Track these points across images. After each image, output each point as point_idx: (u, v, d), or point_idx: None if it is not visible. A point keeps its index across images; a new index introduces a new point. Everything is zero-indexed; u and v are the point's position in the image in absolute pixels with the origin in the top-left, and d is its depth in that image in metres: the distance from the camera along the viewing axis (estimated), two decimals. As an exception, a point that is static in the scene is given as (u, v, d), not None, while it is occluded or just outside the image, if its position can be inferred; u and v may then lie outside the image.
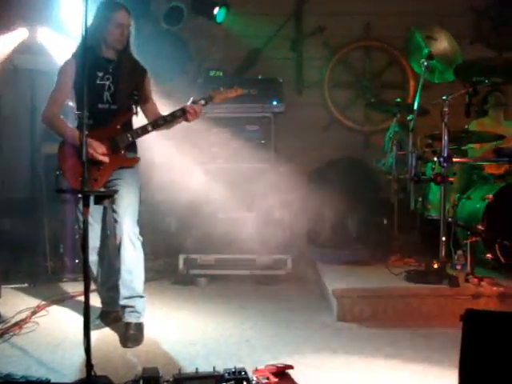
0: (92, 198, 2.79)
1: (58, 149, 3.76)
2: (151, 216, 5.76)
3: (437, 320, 4.16)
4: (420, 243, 5.15)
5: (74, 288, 5.00)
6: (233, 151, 5.71)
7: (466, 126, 5.26)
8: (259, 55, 6.67)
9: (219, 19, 6.19)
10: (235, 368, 2.82)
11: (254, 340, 3.77)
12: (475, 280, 4.32)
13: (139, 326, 3.79)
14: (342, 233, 5.82)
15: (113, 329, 3.97)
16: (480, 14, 6.69)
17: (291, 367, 2.93)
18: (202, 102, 3.85)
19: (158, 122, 3.77)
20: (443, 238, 4.41)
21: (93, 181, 3.55)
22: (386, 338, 3.83)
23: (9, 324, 3.97)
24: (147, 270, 4.05)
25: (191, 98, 3.88)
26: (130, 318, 3.78)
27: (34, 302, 4.57)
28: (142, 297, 3.85)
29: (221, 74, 5.99)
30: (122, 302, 3.81)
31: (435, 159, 4.66)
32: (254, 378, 2.80)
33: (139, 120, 3.92)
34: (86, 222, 2.77)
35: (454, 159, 4.61)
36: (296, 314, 4.41)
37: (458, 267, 4.73)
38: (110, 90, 3.76)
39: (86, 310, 2.70)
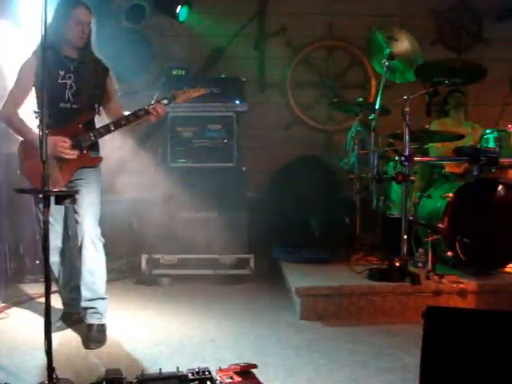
0: (53, 199, 2.75)
1: (18, 148, 3.69)
2: (113, 215, 5.69)
3: (399, 317, 4.22)
4: (382, 242, 5.20)
5: (35, 289, 4.92)
6: (195, 150, 5.69)
7: (427, 126, 5.33)
8: (222, 54, 6.65)
9: (181, 18, 6.14)
10: (199, 368, 2.81)
11: (217, 340, 3.76)
12: (436, 277, 4.39)
13: (101, 328, 3.75)
14: (304, 232, 5.84)
15: (75, 330, 3.92)
16: (440, 17, 6.79)
17: (255, 366, 2.93)
18: (165, 101, 3.82)
19: (121, 122, 3.73)
20: (405, 237, 4.46)
21: (54, 180, 3.49)
22: (350, 335, 3.86)
23: (-33, 327, 3.90)
24: (109, 269, 4.02)
25: (155, 97, 3.86)
26: (92, 319, 3.74)
27: (-7, 304, 4.49)
28: (103, 298, 3.81)
29: (183, 72, 5.96)
30: (84, 304, 3.77)
31: (396, 158, 4.71)
32: (218, 378, 2.79)
33: (102, 119, 3.88)
34: (46, 223, 2.73)
35: (415, 158, 4.67)
36: (260, 314, 4.41)
37: (420, 265, 4.79)
38: (71, 88, 3.71)
39: (47, 312, 2.66)
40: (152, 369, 3.01)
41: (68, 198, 2.90)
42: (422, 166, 5.33)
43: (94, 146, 3.82)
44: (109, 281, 3.94)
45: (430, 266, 4.52)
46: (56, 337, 3.49)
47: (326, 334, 3.92)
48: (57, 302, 3.93)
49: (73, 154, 3.60)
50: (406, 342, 3.64)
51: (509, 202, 4.66)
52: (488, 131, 5.10)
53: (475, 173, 4.82)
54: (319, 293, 4.30)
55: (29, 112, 3.59)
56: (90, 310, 3.75)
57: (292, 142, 6.67)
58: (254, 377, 2.85)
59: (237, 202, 5.59)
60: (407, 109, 4.47)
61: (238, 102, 5.77)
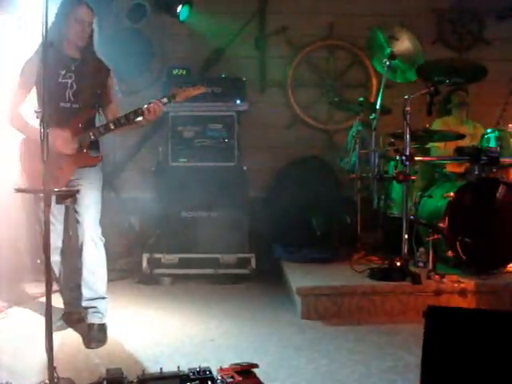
0: (54, 198, 2.75)
1: (18, 147, 3.69)
2: (115, 215, 5.70)
3: (400, 316, 4.22)
4: (383, 241, 5.20)
5: (36, 289, 4.91)
6: (196, 150, 5.70)
7: (427, 125, 5.33)
8: (223, 54, 6.64)
9: (182, 17, 6.15)
10: (200, 367, 2.81)
11: (218, 339, 3.76)
12: (437, 277, 4.39)
13: (102, 327, 3.75)
14: (305, 231, 5.84)
15: (75, 330, 3.92)
16: (441, 16, 6.79)
17: (256, 366, 2.93)
18: (165, 100, 3.81)
19: (121, 121, 3.71)
20: (406, 236, 4.46)
21: (54, 180, 3.50)
22: (350, 335, 3.86)
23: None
24: (110, 269, 4.02)
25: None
26: (93, 318, 3.75)
27: (-7, 303, 4.49)
28: (104, 298, 3.81)
29: (184, 72, 5.96)
30: (85, 304, 3.77)
31: (397, 158, 4.71)
32: (219, 377, 2.79)
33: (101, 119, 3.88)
34: (47, 222, 2.73)
35: (416, 158, 4.67)
36: (261, 313, 4.42)
37: (420, 264, 4.79)
38: (72, 88, 3.70)
39: (48, 311, 2.66)
40: (153, 368, 3.02)
41: (69, 197, 2.90)
42: (422, 165, 5.33)
43: (94, 145, 3.81)
44: (110, 280, 3.94)
45: (430, 265, 4.52)
46: (57, 336, 3.48)
47: (327, 333, 3.92)
48: (57, 301, 3.93)
49: (72, 149, 3.60)
50: (407, 341, 3.64)
51: (510, 201, 4.65)
52: (489, 131, 5.10)
53: (476, 172, 4.82)
54: (320, 292, 4.30)
55: (29, 111, 3.62)
56: (90, 310, 3.76)
57: (293, 142, 6.66)
58: (254, 376, 2.85)
59: (238, 201, 5.59)
60: (408, 108, 4.47)
61: (238, 101, 5.78)
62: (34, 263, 5.50)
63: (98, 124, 3.83)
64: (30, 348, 3.50)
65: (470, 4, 6.77)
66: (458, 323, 2.32)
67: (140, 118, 3.75)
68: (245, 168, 5.73)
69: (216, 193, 5.51)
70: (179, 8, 6.06)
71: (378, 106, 5.19)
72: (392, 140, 5.26)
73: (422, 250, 4.84)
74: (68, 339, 3.75)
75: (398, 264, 4.50)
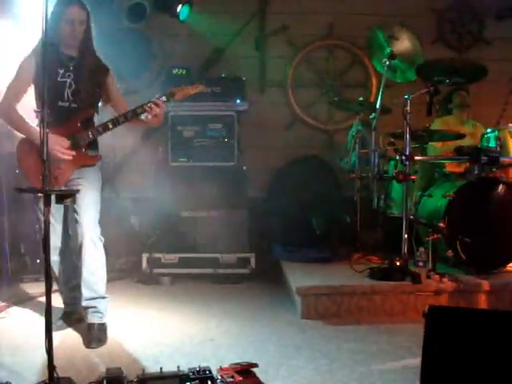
0: (53, 198, 2.75)
1: (16, 146, 3.68)
2: (114, 214, 5.70)
3: (400, 316, 4.22)
4: (383, 241, 5.20)
5: (35, 289, 4.91)
6: (196, 149, 5.70)
7: (427, 125, 5.33)
8: (223, 54, 6.64)
9: (182, 17, 6.15)
10: (200, 367, 2.81)
11: (218, 339, 3.76)
12: (437, 277, 4.38)
13: (102, 327, 3.75)
14: (305, 231, 5.84)
15: (75, 330, 3.92)
16: (441, 16, 6.79)
17: (256, 365, 2.93)
18: (163, 98, 3.80)
19: (119, 120, 3.71)
20: (405, 236, 4.47)
21: (53, 179, 3.50)
22: (350, 334, 3.86)
23: (-32, 326, 3.90)
24: (110, 269, 4.02)
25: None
26: (92, 318, 3.74)
27: (-7, 303, 4.49)
28: (104, 297, 3.81)
29: (184, 72, 5.96)
30: (84, 303, 3.77)
31: (397, 157, 4.71)
32: (219, 377, 2.79)
33: (101, 118, 3.87)
34: (47, 222, 2.72)
35: (416, 157, 4.67)
36: (260, 313, 4.41)
37: (420, 264, 4.79)
38: (70, 87, 3.70)
39: (48, 311, 2.66)
40: (153, 368, 3.01)
41: (68, 197, 2.89)
42: (422, 165, 5.33)
43: (93, 145, 3.80)
44: (109, 280, 3.94)
45: (430, 265, 4.51)
46: (57, 336, 3.48)
47: (327, 333, 3.92)
48: (57, 301, 3.92)
49: (69, 155, 3.59)
50: (407, 341, 3.64)
51: (509, 201, 4.65)
52: (489, 130, 5.10)
53: (476, 172, 4.82)
54: (320, 292, 4.30)
55: (28, 110, 3.61)
56: (90, 310, 3.75)
57: (293, 142, 6.67)
58: (254, 376, 2.86)
59: (237, 201, 5.60)
60: (408, 108, 4.47)
61: (238, 101, 5.79)
62: (34, 263, 5.52)
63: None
64: (30, 348, 3.50)
65: (469, 4, 6.78)
66: (457, 323, 2.32)
67: (143, 117, 3.75)
68: (245, 168, 5.74)
69: (216, 192, 5.51)
70: (179, 8, 6.06)
71: (377, 106, 5.19)
72: (392, 140, 5.26)
73: (421, 249, 4.85)
74: (68, 339, 3.75)
75: (398, 264, 4.50)
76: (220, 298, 4.88)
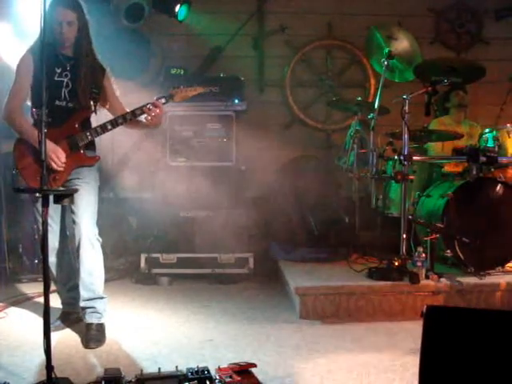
0: (51, 198, 2.74)
1: (13, 147, 3.67)
2: (113, 215, 5.70)
3: (398, 316, 4.23)
4: (381, 241, 5.20)
5: (34, 289, 4.91)
6: (195, 149, 5.70)
7: (425, 125, 5.33)
8: (221, 53, 6.65)
9: (181, 17, 6.14)
10: (198, 367, 2.81)
11: (216, 339, 3.76)
12: (435, 276, 4.38)
13: (100, 327, 3.74)
14: (304, 231, 5.84)
15: (74, 330, 3.92)
16: (439, 16, 6.80)
17: (254, 365, 2.93)
18: (163, 100, 3.81)
19: (118, 121, 3.72)
20: (404, 236, 4.47)
21: (51, 180, 3.50)
22: (349, 334, 3.86)
23: (-34, 326, 3.89)
24: (108, 269, 4.02)
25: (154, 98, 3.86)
26: (91, 318, 3.74)
27: (-9, 303, 4.48)
28: (102, 298, 3.80)
29: (182, 72, 5.96)
30: (83, 304, 3.76)
31: (395, 157, 4.71)
32: (217, 377, 2.80)
33: (99, 118, 3.87)
34: (45, 223, 2.72)
35: (414, 157, 4.67)
36: (259, 313, 4.41)
37: (419, 264, 4.77)
38: (67, 87, 3.69)
39: (46, 311, 2.66)
40: (151, 368, 3.01)
41: (66, 197, 2.89)
42: (420, 164, 5.33)
43: (91, 145, 3.81)
44: (108, 280, 3.95)
45: (429, 265, 4.51)
46: (55, 336, 3.49)
47: (325, 333, 3.92)
48: (55, 301, 3.92)
49: (61, 167, 3.59)
50: (405, 340, 3.65)
51: (507, 200, 4.66)
52: (487, 130, 5.10)
53: (474, 172, 4.81)
54: (318, 292, 4.30)
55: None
56: (88, 310, 3.75)
57: (291, 141, 6.67)
58: (253, 376, 2.86)
59: (236, 201, 5.60)
60: (406, 108, 4.47)
61: (237, 101, 5.79)
62: (32, 263, 5.51)
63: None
64: (28, 348, 3.49)
65: (468, 4, 6.78)
66: (456, 323, 2.32)
67: (142, 118, 3.75)
68: (243, 168, 5.73)
69: (214, 192, 5.50)
70: (177, 7, 6.06)
71: (376, 106, 5.20)
72: (390, 140, 5.26)
73: (420, 249, 4.83)
74: (66, 339, 3.75)
75: (397, 263, 4.50)
76: (218, 298, 4.88)
